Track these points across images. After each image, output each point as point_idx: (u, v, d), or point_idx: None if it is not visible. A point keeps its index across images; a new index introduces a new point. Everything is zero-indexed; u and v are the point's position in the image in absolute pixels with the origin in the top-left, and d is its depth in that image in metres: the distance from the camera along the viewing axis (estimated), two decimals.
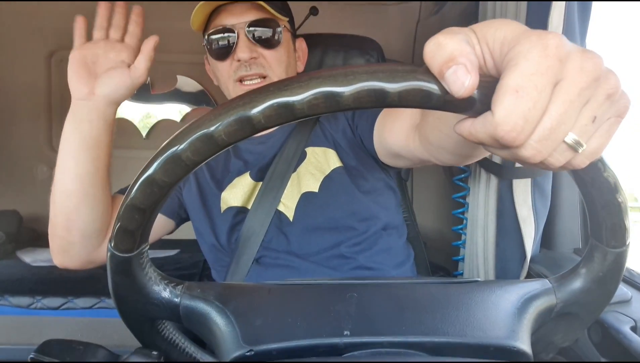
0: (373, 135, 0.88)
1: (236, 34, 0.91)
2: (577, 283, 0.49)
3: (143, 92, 1.94)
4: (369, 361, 0.44)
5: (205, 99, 1.96)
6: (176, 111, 1.96)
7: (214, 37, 0.92)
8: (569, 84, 0.29)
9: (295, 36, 1.04)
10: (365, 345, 0.44)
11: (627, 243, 0.45)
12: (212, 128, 0.33)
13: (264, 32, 0.91)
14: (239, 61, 0.91)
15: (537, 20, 0.92)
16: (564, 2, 0.88)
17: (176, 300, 0.48)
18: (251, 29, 0.90)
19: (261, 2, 0.90)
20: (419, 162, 0.78)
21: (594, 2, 0.90)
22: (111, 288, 0.46)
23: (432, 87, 0.31)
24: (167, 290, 0.47)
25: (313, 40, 1.16)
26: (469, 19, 1.37)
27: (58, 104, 1.92)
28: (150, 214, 0.39)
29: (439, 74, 0.31)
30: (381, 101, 0.31)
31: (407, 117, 0.75)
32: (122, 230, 0.40)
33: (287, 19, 0.98)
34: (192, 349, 0.53)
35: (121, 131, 1.92)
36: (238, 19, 0.91)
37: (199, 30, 0.97)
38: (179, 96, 1.95)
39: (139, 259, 0.44)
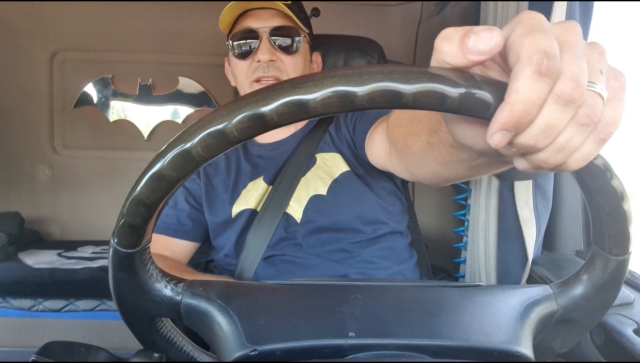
0: (365, 149, 0.93)
1: (259, 37, 0.97)
2: (578, 290, 0.49)
3: (145, 94, 1.94)
4: (374, 362, 0.44)
5: (206, 100, 1.96)
6: (178, 112, 1.96)
7: (238, 37, 0.99)
8: (566, 37, 0.30)
9: (312, 49, 1.10)
10: (370, 347, 0.44)
11: (629, 251, 0.45)
12: (224, 124, 0.32)
13: (285, 39, 0.98)
14: (258, 62, 0.97)
15: None
16: (565, 2, 0.88)
17: (177, 297, 0.47)
18: (274, 34, 0.97)
19: (287, 11, 0.96)
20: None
21: (595, 2, 0.90)
22: (112, 284, 0.45)
23: (446, 89, 0.30)
24: (169, 287, 0.47)
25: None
26: (470, 19, 1.37)
27: (60, 105, 1.92)
28: (156, 209, 0.39)
29: (460, 45, 0.30)
30: (396, 102, 0.31)
31: (381, 144, 0.81)
32: (127, 225, 0.39)
33: (308, 31, 1.05)
34: (189, 348, 0.52)
35: (123, 133, 1.94)
36: (263, 23, 0.97)
37: (225, 30, 1.03)
38: (180, 97, 1.96)
39: (142, 255, 0.43)
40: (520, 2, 0.98)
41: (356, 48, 1.32)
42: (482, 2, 1.16)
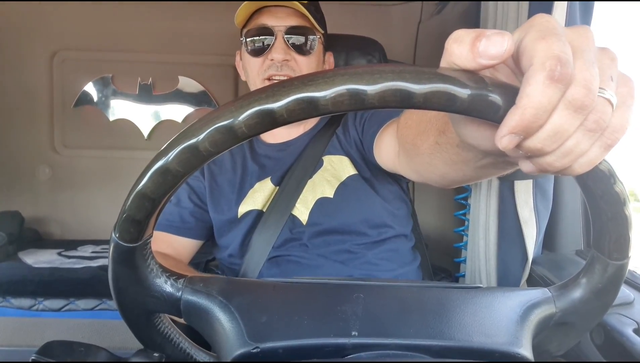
0: (373, 151, 0.92)
1: (274, 36, 0.96)
2: (576, 293, 0.49)
3: (145, 93, 1.95)
4: (378, 362, 0.44)
5: (206, 100, 1.96)
6: (178, 112, 1.96)
7: (253, 33, 0.98)
8: (579, 42, 0.30)
9: (326, 49, 1.09)
10: (372, 347, 0.44)
11: (629, 256, 0.45)
12: (232, 120, 0.32)
13: (300, 38, 0.98)
14: (272, 60, 0.96)
15: None
16: (565, 3, 0.88)
17: (177, 293, 0.47)
18: (289, 33, 0.97)
19: (304, 11, 0.95)
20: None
21: (595, 2, 0.90)
22: (111, 278, 0.44)
23: (457, 90, 0.30)
24: (169, 283, 0.46)
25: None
26: (470, 19, 1.37)
27: (60, 104, 1.92)
28: (160, 204, 0.38)
29: (471, 49, 0.30)
30: (406, 102, 0.31)
31: (390, 145, 0.80)
32: (129, 219, 0.39)
33: (323, 32, 1.04)
34: (186, 345, 0.52)
35: (123, 132, 1.94)
36: (279, 21, 0.97)
37: (240, 25, 1.03)
38: (180, 97, 1.96)
39: (143, 250, 0.43)
40: (520, 2, 0.98)
41: (357, 47, 1.32)
42: (482, 2, 1.16)
